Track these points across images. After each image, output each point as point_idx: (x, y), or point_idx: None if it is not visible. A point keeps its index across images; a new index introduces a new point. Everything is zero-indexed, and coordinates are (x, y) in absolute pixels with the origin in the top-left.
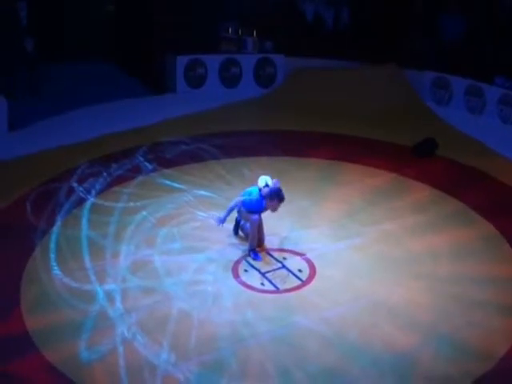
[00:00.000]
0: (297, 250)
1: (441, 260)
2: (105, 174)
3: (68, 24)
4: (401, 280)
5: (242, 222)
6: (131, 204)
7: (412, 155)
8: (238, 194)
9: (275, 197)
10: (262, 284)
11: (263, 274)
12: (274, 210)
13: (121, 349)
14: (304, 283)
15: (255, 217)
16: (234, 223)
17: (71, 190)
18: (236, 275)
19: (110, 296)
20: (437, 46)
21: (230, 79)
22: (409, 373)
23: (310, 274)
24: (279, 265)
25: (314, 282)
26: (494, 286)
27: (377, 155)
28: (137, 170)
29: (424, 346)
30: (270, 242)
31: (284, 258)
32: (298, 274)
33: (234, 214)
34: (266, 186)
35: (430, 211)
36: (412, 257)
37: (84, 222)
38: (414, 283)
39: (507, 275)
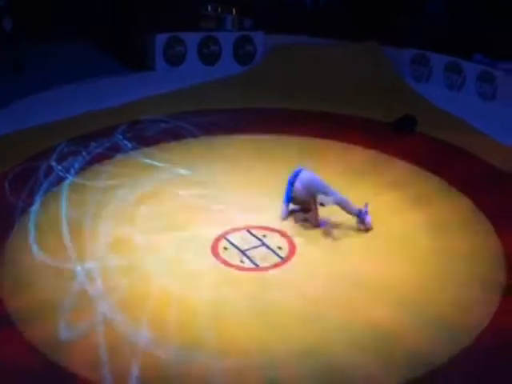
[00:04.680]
0: (276, 227)
1: (421, 236)
2: (84, 152)
3: (45, 3)
4: (381, 257)
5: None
6: (111, 182)
7: (391, 131)
8: (216, 173)
9: None
10: (242, 262)
11: (243, 252)
12: None
13: (101, 327)
14: (284, 260)
15: None
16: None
17: (50, 169)
18: (216, 253)
19: (89, 275)
20: (417, 22)
21: (209, 57)
22: (389, 349)
23: (289, 251)
24: (259, 242)
25: (293, 260)
26: (474, 261)
27: (356, 132)
28: (116, 149)
29: (404, 322)
30: (249, 219)
31: (264, 236)
32: (278, 251)
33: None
34: None
35: (409, 188)
36: (392, 234)
37: (63, 200)
38: (394, 260)
39: (487, 250)
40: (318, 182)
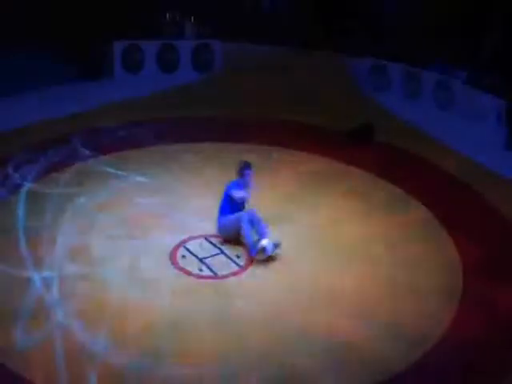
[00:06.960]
0: None
1: (377, 245)
2: (42, 160)
3: (4, 8)
4: (338, 266)
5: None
6: (68, 190)
7: (349, 140)
8: (175, 180)
9: None
10: (201, 270)
11: (201, 260)
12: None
13: (58, 336)
14: (242, 269)
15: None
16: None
17: (7, 177)
18: (174, 261)
19: (47, 283)
20: (375, 31)
21: (167, 64)
22: (346, 357)
23: (247, 259)
24: (217, 251)
25: (251, 268)
26: (429, 270)
27: (314, 141)
28: (74, 156)
29: (361, 331)
30: (208, 227)
31: (222, 244)
32: (236, 259)
33: None
34: None
35: (366, 197)
36: (348, 242)
37: (20, 208)
38: (351, 269)
39: (443, 260)
40: (231, 221)
